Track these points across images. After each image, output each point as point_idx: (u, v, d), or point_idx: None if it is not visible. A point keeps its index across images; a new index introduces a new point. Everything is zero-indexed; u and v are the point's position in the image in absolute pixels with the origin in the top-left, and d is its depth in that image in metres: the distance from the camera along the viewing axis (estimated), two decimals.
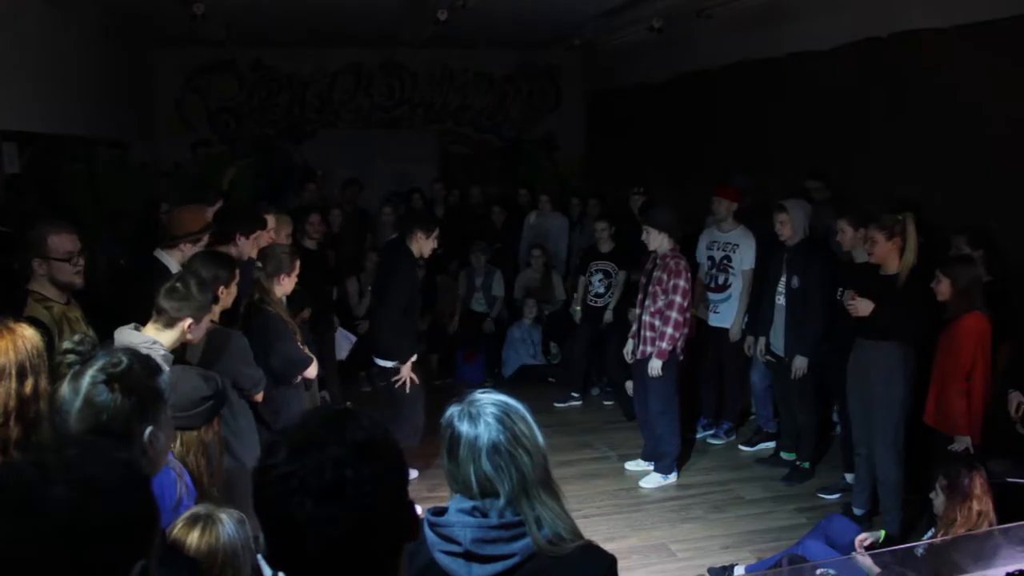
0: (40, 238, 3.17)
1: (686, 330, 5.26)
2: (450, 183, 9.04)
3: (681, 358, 5.34)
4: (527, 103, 10.91)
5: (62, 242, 3.19)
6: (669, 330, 5.11)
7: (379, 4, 7.05)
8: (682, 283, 5.09)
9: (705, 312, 6.04)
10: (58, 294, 3.20)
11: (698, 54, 7.82)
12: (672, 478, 5.37)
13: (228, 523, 1.94)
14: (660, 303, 5.14)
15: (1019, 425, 3.90)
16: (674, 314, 5.11)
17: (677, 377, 5.36)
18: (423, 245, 5.06)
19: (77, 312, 3.25)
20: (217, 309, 3.37)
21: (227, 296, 3.44)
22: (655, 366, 5.15)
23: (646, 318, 5.23)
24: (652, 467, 5.44)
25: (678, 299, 5.10)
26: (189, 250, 3.96)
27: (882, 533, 3.92)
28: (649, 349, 5.20)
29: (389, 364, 5.13)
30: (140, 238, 5.94)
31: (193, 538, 1.90)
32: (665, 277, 5.12)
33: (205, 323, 2.98)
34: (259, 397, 3.45)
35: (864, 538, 3.76)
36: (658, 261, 5.22)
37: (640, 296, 5.36)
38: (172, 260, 3.96)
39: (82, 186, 7.15)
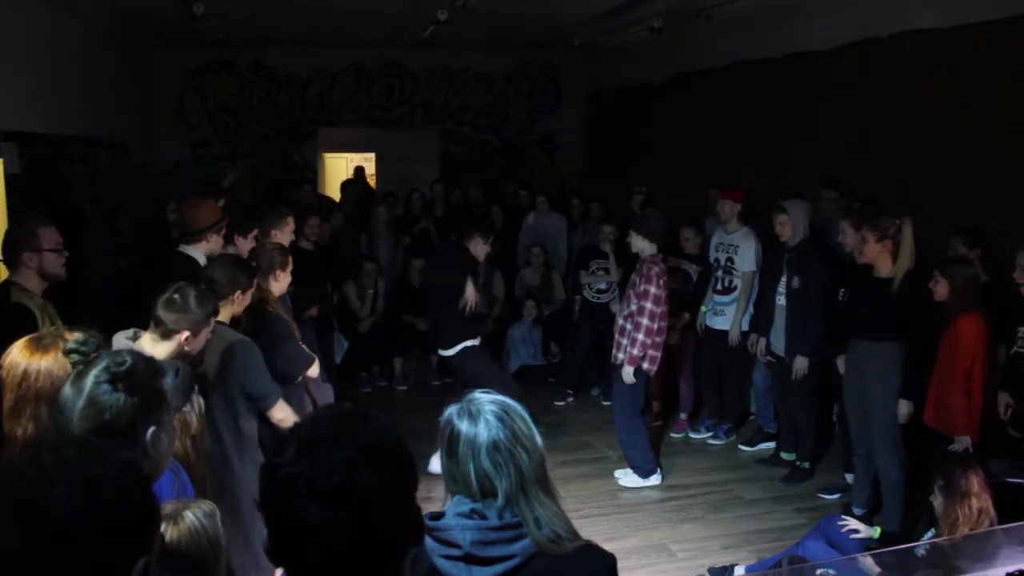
0: (30, 233, 3.28)
1: (660, 339, 5.07)
2: (450, 183, 9.04)
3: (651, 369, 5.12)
4: (527, 103, 10.91)
5: (50, 235, 3.31)
6: (640, 336, 4.96)
7: (379, 4, 7.05)
8: (653, 289, 4.94)
9: (709, 315, 5.98)
10: (39, 287, 3.28)
11: (698, 54, 7.82)
12: (652, 480, 5.31)
13: (192, 518, 1.90)
14: (633, 307, 5.06)
15: (1010, 427, 3.91)
16: (645, 320, 4.96)
17: (645, 391, 5.30)
18: (479, 249, 5.46)
19: (51, 307, 3.31)
20: (229, 313, 3.35)
21: (241, 301, 3.41)
22: (627, 372, 5.05)
23: (620, 322, 5.19)
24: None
25: (649, 305, 4.94)
26: (215, 240, 4.14)
27: (877, 530, 3.91)
28: (620, 355, 5.11)
29: (453, 351, 5.42)
30: (154, 237, 5.98)
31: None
32: (638, 281, 5.04)
33: (204, 336, 2.91)
34: (275, 412, 3.27)
35: (858, 531, 3.78)
36: (636, 265, 5.18)
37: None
38: (199, 252, 4.08)
39: (82, 186, 7.15)
